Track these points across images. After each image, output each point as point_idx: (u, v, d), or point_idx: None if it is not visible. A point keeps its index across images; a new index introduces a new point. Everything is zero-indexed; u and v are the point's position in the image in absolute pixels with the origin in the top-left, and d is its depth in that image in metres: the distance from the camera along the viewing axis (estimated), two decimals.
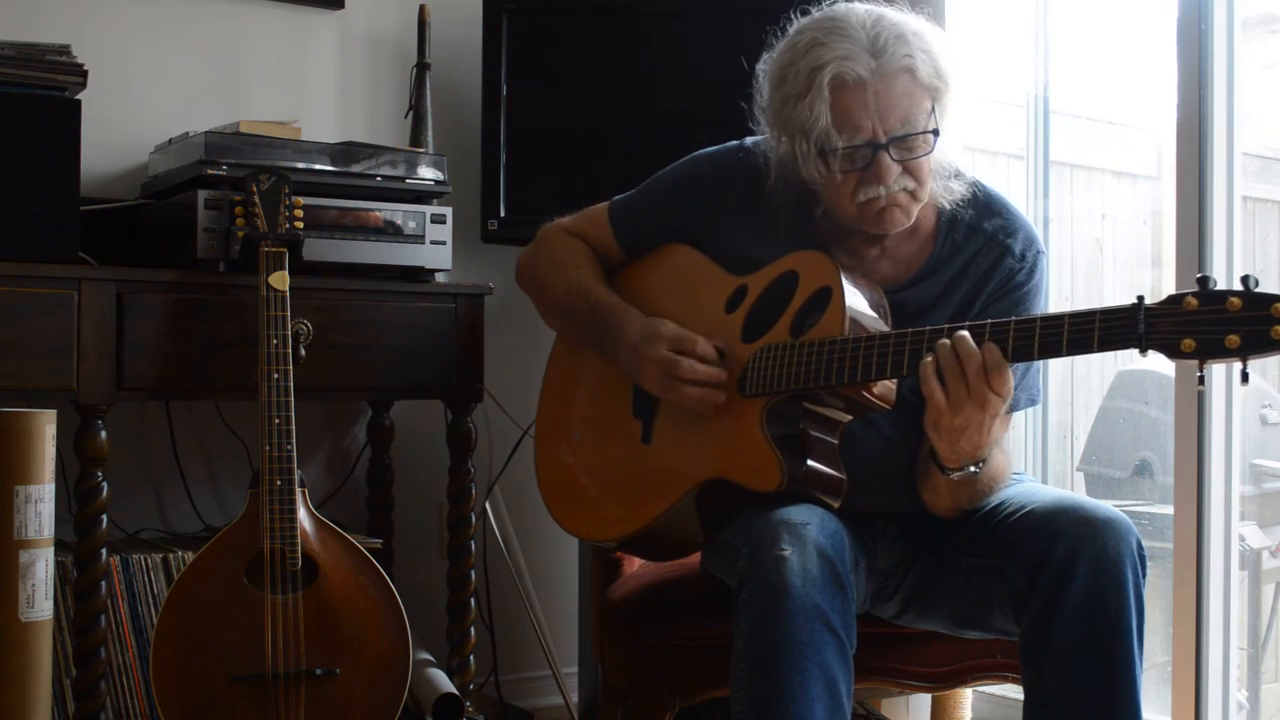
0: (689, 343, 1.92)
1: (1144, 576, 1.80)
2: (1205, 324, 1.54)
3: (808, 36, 1.87)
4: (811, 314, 1.88)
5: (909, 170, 1.86)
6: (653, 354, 1.94)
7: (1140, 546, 1.80)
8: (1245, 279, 1.53)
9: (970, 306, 1.97)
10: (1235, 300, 1.52)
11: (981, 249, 1.97)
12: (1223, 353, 1.53)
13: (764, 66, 1.96)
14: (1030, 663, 1.82)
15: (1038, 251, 1.99)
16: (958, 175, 1.95)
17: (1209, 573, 2.41)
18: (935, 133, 1.86)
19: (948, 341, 1.70)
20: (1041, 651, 1.79)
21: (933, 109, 1.86)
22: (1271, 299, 1.51)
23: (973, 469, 1.81)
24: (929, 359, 1.71)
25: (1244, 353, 1.52)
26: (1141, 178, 3.22)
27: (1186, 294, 1.56)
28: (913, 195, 1.88)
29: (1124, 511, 1.84)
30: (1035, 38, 2.99)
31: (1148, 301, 1.59)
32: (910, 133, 1.84)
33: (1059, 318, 1.66)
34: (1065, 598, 1.76)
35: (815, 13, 1.91)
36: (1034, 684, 1.82)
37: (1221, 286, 1.55)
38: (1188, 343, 1.55)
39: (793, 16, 1.95)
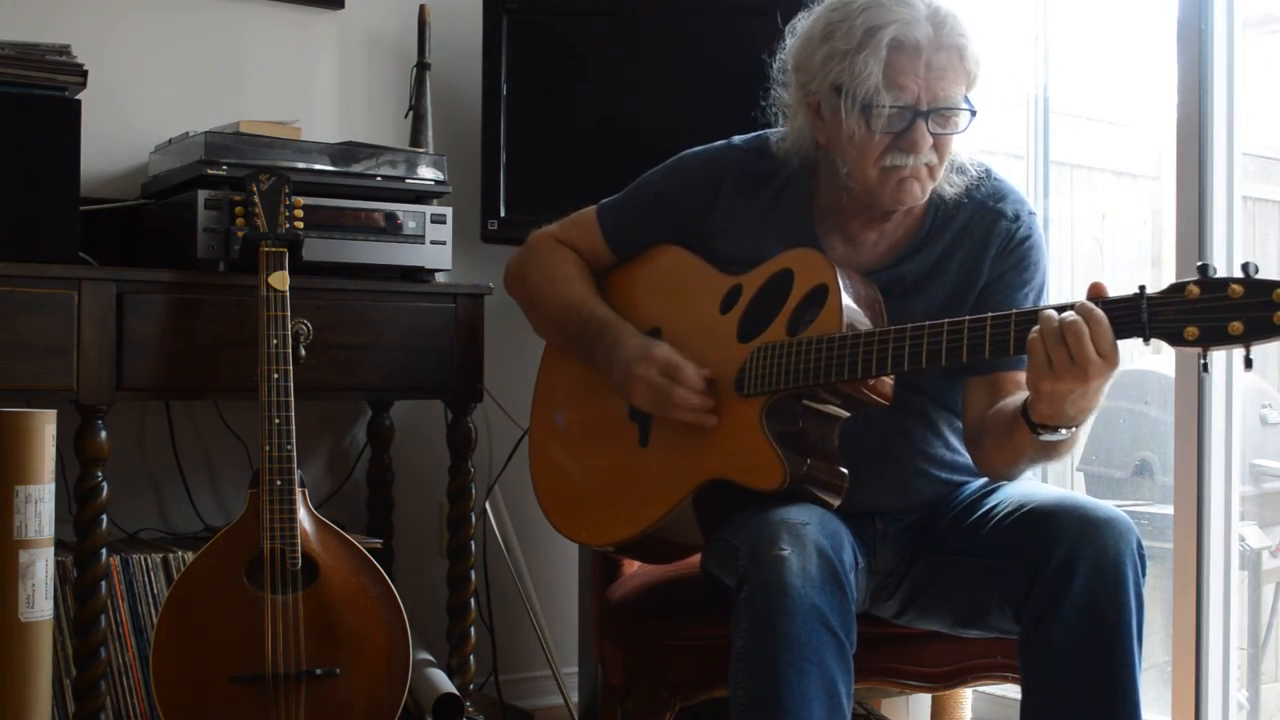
0: (676, 370, 1.92)
1: (1144, 576, 1.80)
2: (1208, 311, 1.54)
3: (863, 1, 1.87)
4: (808, 312, 1.87)
5: (937, 146, 1.88)
6: (645, 375, 1.94)
7: (1140, 546, 1.80)
8: (1246, 266, 1.54)
9: (975, 275, 1.97)
10: (1237, 287, 1.53)
11: (973, 216, 1.98)
12: (1226, 339, 1.54)
13: (802, 24, 1.95)
14: (1029, 661, 1.82)
15: (1030, 211, 2.01)
16: (961, 170, 1.96)
17: (1209, 573, 2.41)
18: (973, 112, 1.88)
19: (1053, 312, 1.65)
20: (1041, 650, 1.79)
21: (967, 93, 1.89)
22: (1273, 285, 1.51)
23: (1064, 432, 1.76)
24: (1033, 335, 1.66)
25: (1247, 339, 1.53)
26: (1141, 178, 3.22)
27: (1188, 282, 1.56)
28: (931, 172, 1.91)
29: (1124, 511, 1.83)
30: (1035, 38, 2.99)
31: (1149, 290, 1.59)
32: (951, 106, 1.86)
33: (1063, 308, 1.66)
34: (1066, 596, 1.76)
35: None
36: (1033, 682, 1.82)
37: (1222, 274, 1.55)
38: (1191, 330, 1.55)
39: None
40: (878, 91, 1.85)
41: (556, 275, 2.15)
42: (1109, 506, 1.84)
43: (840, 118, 1.89)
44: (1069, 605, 1.76)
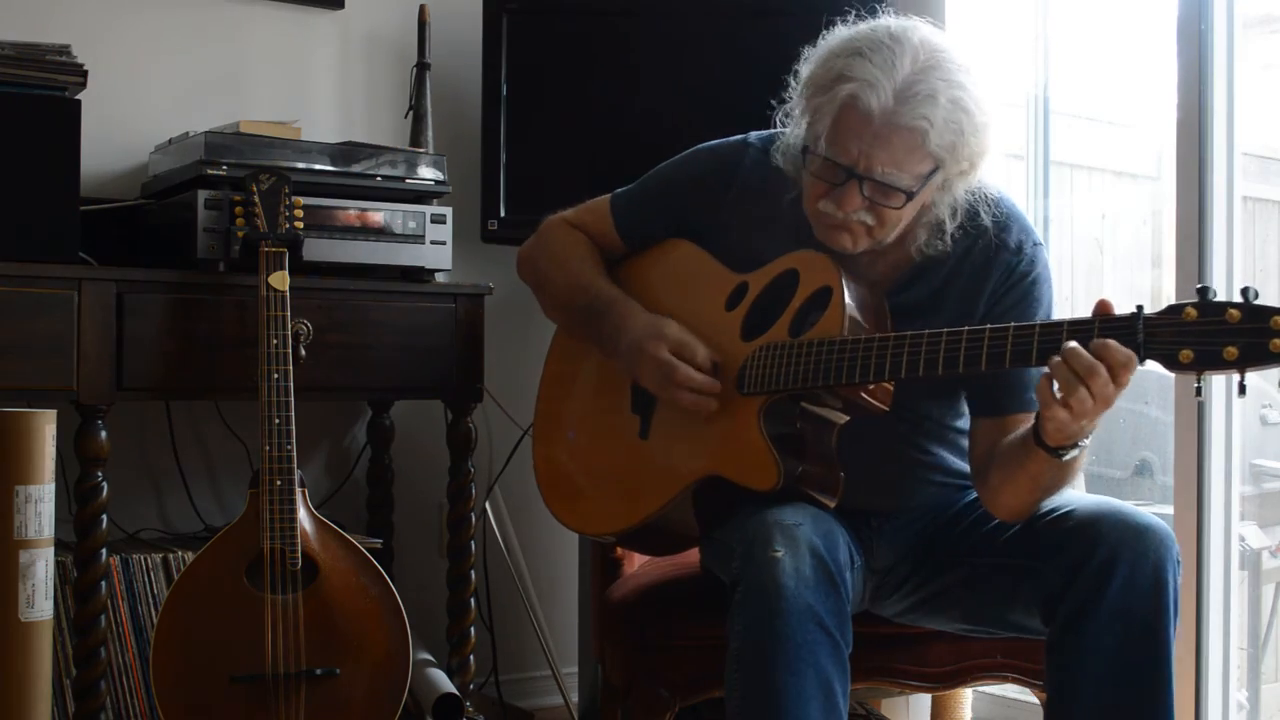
0: (688, 349, 1.92)
1: (1179, 583, 1.80)
2: (1204, 335, 1.53)
3: (859, 44, 1.83)
4: (811, 313, 1.87)
5: (874, 210, 1.85)
6: (654, 352, 1.94)
7: (1178, 554, 1.80)
8: (1245, 290, 1.52)
9: (973, 304, 1.95)
10: (1235, 312, 1.51)
11: (975, 244, 1.95)
12: (1221, 364, 1.52)
13: (825, 39, 1.92)
14: (1059, 661, 1.81)
15: (1035, 243, 1.97)
16: (940, 231, 1.92)
17: (1209, 573, 2.41)
18: (909, 195, 1.83)
19: (1060, 359, 1.61)
20: (1073, 651, 1.78)
21: (931, 174, 1.84)
22: (1271, 311, 1.50)
23: (1082, 444, 1.73)
24: (1044, 381, 1.63)
25: (1242, 365, 1.51)
26: (1141, 178, 3.22)
27: (1186, 304, 1.55)
28: (870, 232, 1.87)
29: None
30: (1035, 38, 2.99)
31: (1147, 310, 1.58)
32: (887, 183, 1.82)
33: (1058, 324, 1.65)
34: (1103, 598, 1.76)
35: (892, 21, 1.87)
36: (1063, 683, 1.80)
37: (1222, 294, 1.54)
38: (1186, 354, 1.54)
39: (879, 10, 1.94)
40: (818, 140, 1.83)
41: (566, 256, 2.16)
42: (1148, 514, 1.82)
43: (797, 150, 1.89)
44: (1105, 607, 1.76)
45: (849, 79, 1.80)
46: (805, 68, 1.91)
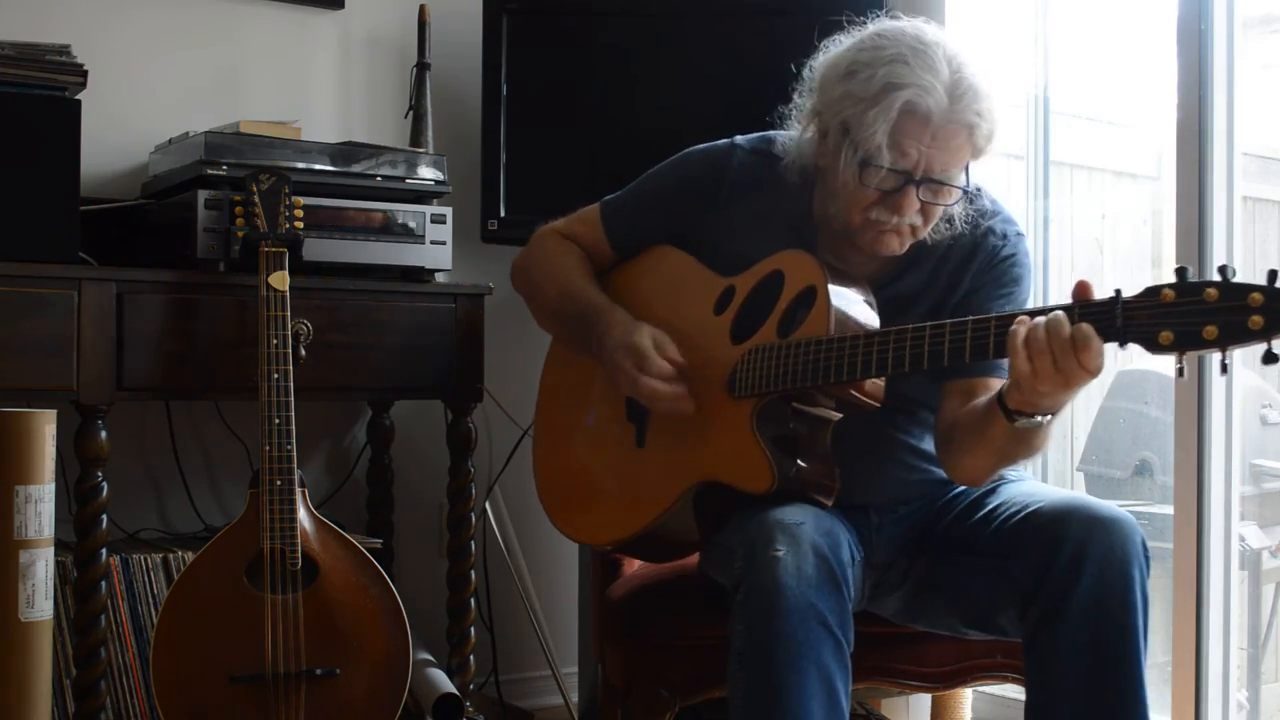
0: (644, 360, 1.92)
1: (1148, 576, 1.80)
2: (1182, 315, 1.52)
3: (892, 50, 1.84)
4: (798, 313, 1.87)
5: (923, 210, 1.88)
6: (622, 364, 1.95)
7: (1145, 546, 1.80)
8: (1223, 269, 1.52)
9: (956, 287, 1.97)
10: (1212, 291, 1.51)
11: (961, 233, 1.97)
12: (1201, 344, 1.51)
13: (834, 49, 1.92)
14: (1035, 661, 1.82)
15: (1018, 232, 2.01)
16: (950, 221, 1.94)
17: (1209, 573, 2.41)
18: (965, 191, 1.88)
19: (1043, 320, 1.62)
20: (1047, 650, 1.79)
21: (967, 167, 1.88)
22: (1248, 289, 1.49)
23: (1038, 419, 1.74)
24: (1017, 329, 1.64)
25: (1222, 344, 1.51)
26: (1141, 178, 3.22)
27: (1163, 286, 1.54)
28: (914, 231, 1.90)
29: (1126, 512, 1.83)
30: (1035, 38, 2.99)
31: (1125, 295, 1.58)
32: (944, 182, 1.86)
33: (1040, 311, 1.66)
34: (1073, 596, 1.76)
35: (905, 24, 1.88)
36: (1039, 682, 1.82)
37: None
38: (1165, 335, 1.53)
39: (876, 14, 1.94)
40: (879, 150, 1.83)
41: (558, 266, 2.16)
42: (1114, 507, 1.83)
43: (840, 158, 1.88)
44: (1075, 605, 1.76)
45: (900, 85, 1.81)
46: (829, 85, 1.90)
